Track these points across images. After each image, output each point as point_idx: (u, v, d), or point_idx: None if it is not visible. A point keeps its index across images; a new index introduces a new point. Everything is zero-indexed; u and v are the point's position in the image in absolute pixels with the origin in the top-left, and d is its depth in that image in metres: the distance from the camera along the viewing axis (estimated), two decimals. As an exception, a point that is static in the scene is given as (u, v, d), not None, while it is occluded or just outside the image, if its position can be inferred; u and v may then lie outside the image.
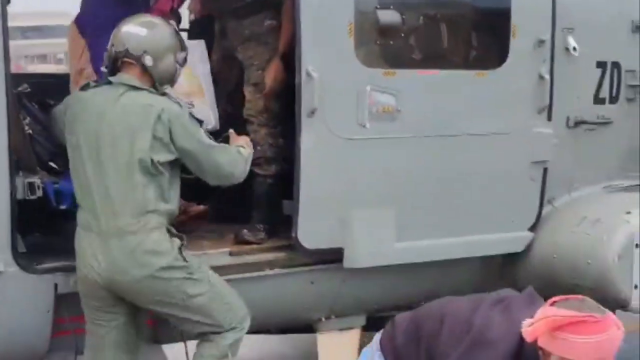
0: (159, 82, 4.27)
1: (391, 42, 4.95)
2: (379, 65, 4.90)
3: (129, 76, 4.24)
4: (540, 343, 3.00)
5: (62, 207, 4.45)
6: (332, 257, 4.92)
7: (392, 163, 4.93)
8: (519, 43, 5.13)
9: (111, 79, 4.26)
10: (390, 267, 5.05)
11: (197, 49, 4.95)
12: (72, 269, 4.31)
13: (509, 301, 3.29)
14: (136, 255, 4.10)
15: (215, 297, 4.30)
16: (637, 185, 5.73)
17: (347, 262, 4.90)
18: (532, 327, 3.02)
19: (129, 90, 4.20)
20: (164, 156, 4.14)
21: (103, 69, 4.37)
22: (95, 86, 4.32)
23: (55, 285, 4.31)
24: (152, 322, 4.73)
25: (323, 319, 5.19)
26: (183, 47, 4.38)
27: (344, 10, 4.68)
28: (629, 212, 5.10)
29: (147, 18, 4.50)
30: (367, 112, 4.79)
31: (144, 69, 4.24)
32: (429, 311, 3.46)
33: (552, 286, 5.32)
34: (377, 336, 3.53)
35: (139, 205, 4.11)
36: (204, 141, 4.23)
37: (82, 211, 4.21)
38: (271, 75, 4.99)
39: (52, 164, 4.70)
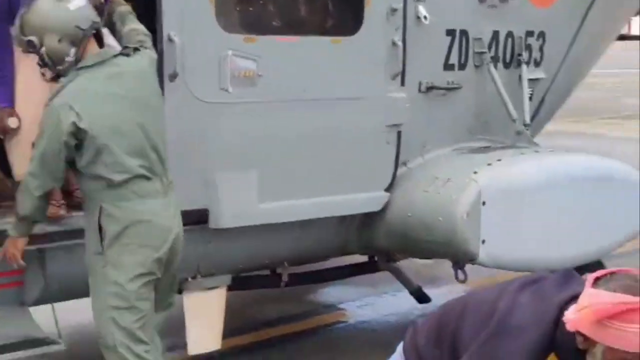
0: None
1: (251, 9, 5.06)
2: (239, 32, 5.02)
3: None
4: (583, 330, 2.59)
5: None
6: (198, 218, 5.02)
7: (253, 126, 5.07)
8: (373, 11, 5.34)
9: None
10: (254, 227, 5.20)
11: None
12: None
13: (541, 282, 2.84)
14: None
15: None
16: (484, 147, 6.08)
17: (212, 223, 5.03)
18: (577, 316, 2.59)
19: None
20: None
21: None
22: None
23: None
24: (19, 284, 4.75)
25: (189, 279, 5.29)
26: None
27: None
28: (475, 172, 5.40)
29: None
30: (229, 77, 4.90)
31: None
32: (450, 308, 3.08)
33: (407, 243, 5.65)
34: (400, 345, 3.18)
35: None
36: None
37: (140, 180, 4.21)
38: None
39: None
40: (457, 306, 3.00)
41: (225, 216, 5.05)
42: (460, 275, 5.70)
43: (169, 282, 4.54)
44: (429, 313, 3.39)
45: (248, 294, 6.83)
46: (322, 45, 5.25)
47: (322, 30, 5.43)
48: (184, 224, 4.94)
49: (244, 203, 5.09)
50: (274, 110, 5.11)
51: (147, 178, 4.23)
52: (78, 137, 4.08)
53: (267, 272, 6.28)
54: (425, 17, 5.60)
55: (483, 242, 5.27)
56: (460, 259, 5.49)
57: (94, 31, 4.23)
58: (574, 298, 2.67)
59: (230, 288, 5.54)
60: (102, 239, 4.20)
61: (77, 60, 4.16)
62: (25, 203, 4.20)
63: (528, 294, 2.78)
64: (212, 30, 4.84)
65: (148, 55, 4.38)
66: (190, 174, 4.91)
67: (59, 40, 4.09)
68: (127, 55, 4.27)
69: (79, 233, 4.54)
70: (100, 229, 4.20)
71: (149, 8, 4.76)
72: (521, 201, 5.40)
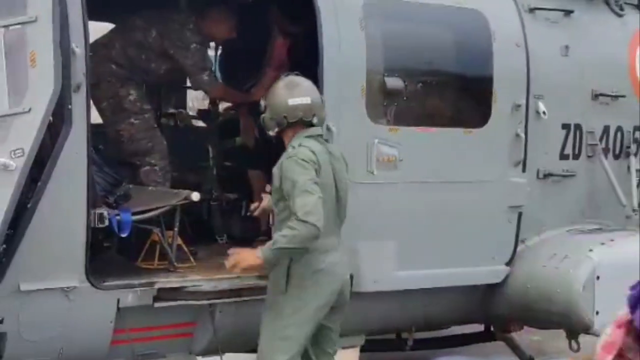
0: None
1: (395, 104, 5.87)
2: (385, 123, 5.83)
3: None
4: None
5: (123, 234, 5.24)
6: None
7: (393, 203, 5.83)
8: (500, 107, 6.13)
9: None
10: (389, 293, 5.89)
11: None
12: (132, 286, 5.12)
13: None
14: None
15: None
16: (596, 229, 6.70)
17: (355, 287, 5.71)
18: None
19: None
20: None
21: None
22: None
23: (118, 300, 5.09)
24: (189, 335, 5.51)
25: (329, 337, 5.99)
26: None
27: (357, 74, 5.61)
28: (591, 250, 6.06)
29: (305, 81, 5.12)
30: (375, 161, 5.70)
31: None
32: None
33: (526, 312, 6.27)
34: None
35: None
36: None
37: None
38: None
39: (107, 199, 5.55)
40: None
41: (366, 281, 5.75)
42: (574, 346, 6.28)
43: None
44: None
45: (370, 357, 7.46)
46: (455, 135, 6.03)
47: (455, 123, 6.21)
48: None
49: (384, 270, 5.80)
50: (411, 190, 5.87)
51: None
52: None
53: (393, 336, 6.94)
54: (544, 113, 6.33)
55: (597, 313, 5.87)
56: (576, 328, 6.08)
57: None
58: None
59: (361, 349, 6.20)
60: None
61: None
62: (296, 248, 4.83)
63: None
64: (362, 121, 5.66)
65: None
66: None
67: None
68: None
69: (246, 290, 5.34)
70: None
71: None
72: (632, 276, 5.93)
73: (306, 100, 5.00)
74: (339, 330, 5.26)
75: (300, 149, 4.90)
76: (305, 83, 5.09)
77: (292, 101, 4.98)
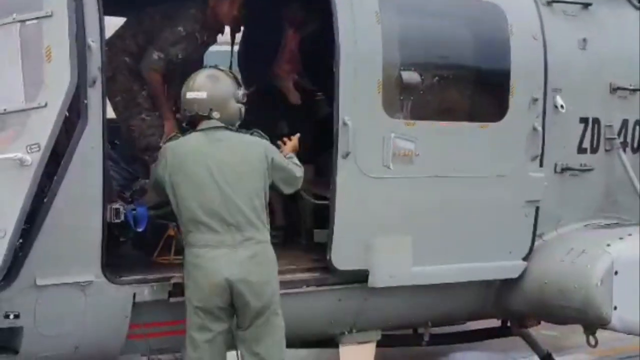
0: (230, 125, 5.12)
1: (412, 98, 5.84)
2: (401, 117, 5.80)
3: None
4: None
5: (139, 229, 5.25)
6: (357, 278, 5.74)
7: (410, 198, 5.81)
8: (517, 101, 6.09)
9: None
10: (405, 288, 5.87)
11: None
12: (148, 281, 5.13)
13: None
14: None
15: None
16: (613, 223, 6.65)
17: (371, 282, 5.73)
18: None
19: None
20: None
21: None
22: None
23: (134, 295, 5.10)
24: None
25: (346, 333, 5.97)
26: (239, 84, 5.19)
27: (374, 68, 5.59)
28: (608, 245, 6.02)
29: (205, 74, 5.20)
30: (391, 156, 5.67)
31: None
32: None
33: (542, 308, 6.24)
34: None
35: None
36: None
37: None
38: None
39: (123, 194, 5.56)
40: None
41: (383, 276, 5.74)
42: (592, 341, 6.24)
43: None
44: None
45: (387, 351, 7.45)
46: (471, 129, 6.00)
47: (473, 117, 6.17)
48: (346, 283, 5.66)
49: (400, 265, 5.78)
50: (428, 185, 5.84)
51: None
52: None
53: (409, 331, 6.93)
54: (562, 106, 6.29)
55: (615, 308, 5.84)
56: (593, 323, 6.05)
57: None
58: None
59: (377, 344, 6.18)
60: None
61: None
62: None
63: None
64: (379, 115, 5.63)
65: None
66: (354, 238, 5.64)
67: None
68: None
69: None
70: None
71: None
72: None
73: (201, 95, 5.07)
74: (270, 350, 5.08)
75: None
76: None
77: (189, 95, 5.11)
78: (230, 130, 5.12)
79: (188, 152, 5.03)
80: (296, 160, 5.34)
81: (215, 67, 5.26)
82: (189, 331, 5.00)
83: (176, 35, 5.85)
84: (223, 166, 5.00)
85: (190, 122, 5.21)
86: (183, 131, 5.31)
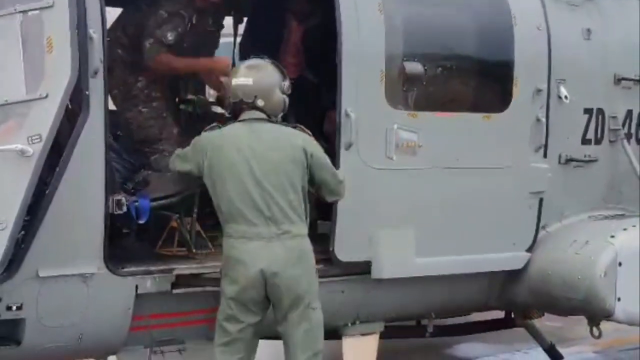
0: (273, 115, 5.10)
1: (414, 89, 5.81)
2: (404, 108, 5.78)
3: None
4: None
5: (141, 221, 5.24)
6: (360, 269, 5.72)
7: (413, 190, 5.79)
8: (521, 91, 6.06)
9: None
10: (409, 280, 5.86)
11: None
12: (151, 273, 5.12)
13: None
14: None
15: None
16: (618, 214, 6.63)
17: (374, 273, 5.72)
18: None
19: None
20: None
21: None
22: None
23: (136, 286, 5.09)
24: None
25: (349, 325, 5.96)
26: (285, 76, 5.17)
27: (376, 59, 5.56)
28: (612, 236, 6.00)
29: (252, 63, 5.20)
30: (394, 147, 5.65)
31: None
32: None
33: (546, 299, 6.22)
34: None
35: None
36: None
37: None
38: None
39: (126, 185, 5.54)
40: None
41: (386, 268, 5.72)
42: (595, 332, 6.23)
43: None
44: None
45: (390, 343, 7.45)
46: (474, 120, 5.97)
47: (476, 107, 6.14)
48: (349, 274, 5.65)
49: (403, 257, 5.77)
50: (431, 176, 5.82)
51: None
52: None
53: (413, 323, 6.93)
54: (566, 97, 6.26)
55: (619, 299, 5.83)
56: (597, 315, 6.03)
57: None
58: None
59: (380, 336, 6.17)
60: None
61: None
62: None
63: None
64: (381, 106, 5.61)
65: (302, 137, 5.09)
66: (357, 230, 5.63)
67: None
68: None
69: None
70: None
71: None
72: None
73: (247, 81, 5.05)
74: (300, 340, 5.02)
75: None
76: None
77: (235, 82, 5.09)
78: (272, 122, 5.09)
79: (228, 143, 5.02)
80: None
81: (261, 57, 5.22)
82: (219, 320, 5.02)
83: (159, 18, 5.83)
84: (261, 158, 4.97)
85: (233, 112, 5.19)
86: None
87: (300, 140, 5.06)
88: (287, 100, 5.16)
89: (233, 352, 4.99)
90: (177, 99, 6.61)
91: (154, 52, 5.82)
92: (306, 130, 5.16)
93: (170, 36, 5.82)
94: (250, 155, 4.96)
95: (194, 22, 5.97)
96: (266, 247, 4.91)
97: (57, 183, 4.67)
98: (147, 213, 5.24)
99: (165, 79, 6.14)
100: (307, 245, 5.07)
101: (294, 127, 5.15)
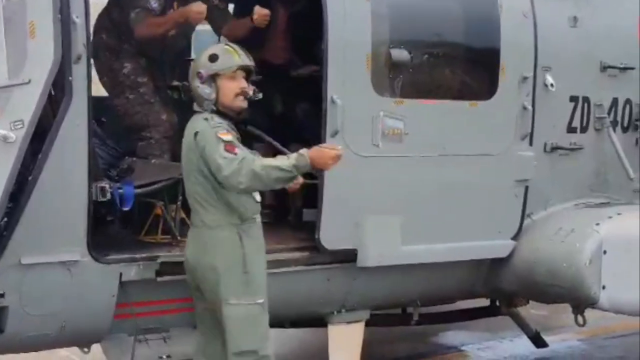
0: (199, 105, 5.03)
1: (401, 76, 5.78)
2: (390, 95, 5.75)
3: None
4: None
5: (125, 208, 5.20)
6: (346, 257, 5.71)
7: (399, 178, 5.76)
8: (507, 79, 6.03)
9: None
10: (394, 268, 5.84)
11: None
12: (135, 260, 5.08)
13: None
14: None
15: None
16: (604, 202, 6.64)
17: (360, 262, 5.70)
18: None
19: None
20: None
21: None
22: None
23: (120, 274, 5.06)
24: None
25: (335, 313, 5.94)
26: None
27: (362, 46, 5.53)
28: (598, 224, 5.99)
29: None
30: (380, 134, 5.62)
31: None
32: None
33: (531, 287, 6.23)
34: None
35: None
36: None
37: None
38: None
39: (110, 172, 5.51)
40: None
41: (371, 256, 5.70)
42: (580, 320, 6.24)
43: None
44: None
45: (376, 331, 7.45)
46: (461, 108, 5.95)
47: (461, 95, 6.12)
48: (335, 262, 5.63)
49: (389, 245, 5.75)
50: (417, 164, 5.80)
51: None
52: None
53: (398, 310, 6.92)
54: (552, 85, 6.25)
55: (604, 287, 5.83)
56: (582, 303, 6.04)
57: None
58: None
59: (366, 324, 6.15)
60: None
61: None
62: None
63: None
64: (367, 94, 5.58)
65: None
66: (342, 218, 5.61)
67: None
68: None
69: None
70: None
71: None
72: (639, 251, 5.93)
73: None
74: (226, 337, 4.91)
75: None
76: None
77: None
78: (198, 112, 5.03)
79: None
80: (279, 162, 4.85)
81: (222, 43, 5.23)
82: None
83: None
84: (184, 148, 5.02)
85: None
86: None
87: (194, 130, 4.91)
88: (206, 90, 4.95)
89: (200, 332, 5.19)
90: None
91: (140, 19, 5.81)
92: (232, 126, 4.95)
93: (154, 3, 5.82)
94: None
95: None
96: (192, 235, 5.03)
97: (40, 169, 4.63)
98: (131, 200, 5.21)
99: (153, 65, 6.08)
100: (224, 234, 4.91)
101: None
